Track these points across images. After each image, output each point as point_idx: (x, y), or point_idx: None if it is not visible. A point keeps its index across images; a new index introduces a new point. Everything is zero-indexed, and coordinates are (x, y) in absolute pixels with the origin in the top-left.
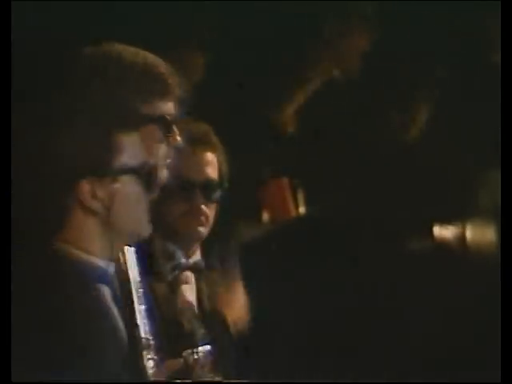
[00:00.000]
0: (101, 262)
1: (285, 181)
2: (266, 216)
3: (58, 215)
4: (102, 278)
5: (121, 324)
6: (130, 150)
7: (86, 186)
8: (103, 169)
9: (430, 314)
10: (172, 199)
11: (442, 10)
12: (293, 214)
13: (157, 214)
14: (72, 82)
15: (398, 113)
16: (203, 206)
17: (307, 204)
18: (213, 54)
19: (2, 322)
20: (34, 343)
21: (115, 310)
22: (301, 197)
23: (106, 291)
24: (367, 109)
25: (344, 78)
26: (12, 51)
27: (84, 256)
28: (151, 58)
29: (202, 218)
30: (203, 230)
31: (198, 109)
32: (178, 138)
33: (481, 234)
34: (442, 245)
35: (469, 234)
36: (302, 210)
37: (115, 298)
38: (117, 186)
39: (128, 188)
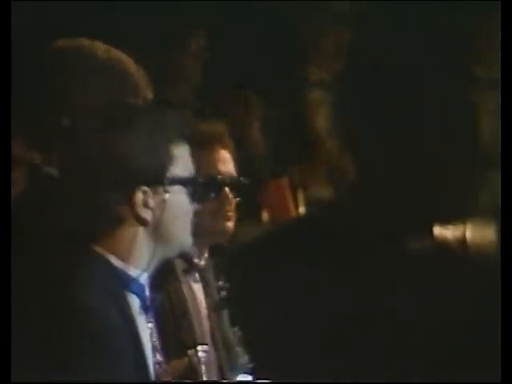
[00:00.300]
0: (134, 272)
1: (285, 181)
2: (265, 216)
3: (105, 222)
4: (133, 287)
5: (143, 334)
6: (182, 160)
7: (139, 196)
8: (157, 179)
9: (429, 314)
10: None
11: (443, 9)
12: (293, 214)
13: None
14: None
15: (397, 113)
16: (231, 203)
17: (307, 204)
18: (213, 54)
19: (4, 321)
20: (42, 343)
21: (140, 319)
22: (301, 197)
23: (134, 300)
24: (367, 110)
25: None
26: (12, 51)
27: (118, 263)
28: (123, 57)
29: (230, 214)
30: (231, 226)
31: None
32: None
33: (481, 234)
34: (442, 245)
35: (469, 234)
36: (301, 209)
37: (144, 308)
38: (167, 196)
39: (177, 199)
